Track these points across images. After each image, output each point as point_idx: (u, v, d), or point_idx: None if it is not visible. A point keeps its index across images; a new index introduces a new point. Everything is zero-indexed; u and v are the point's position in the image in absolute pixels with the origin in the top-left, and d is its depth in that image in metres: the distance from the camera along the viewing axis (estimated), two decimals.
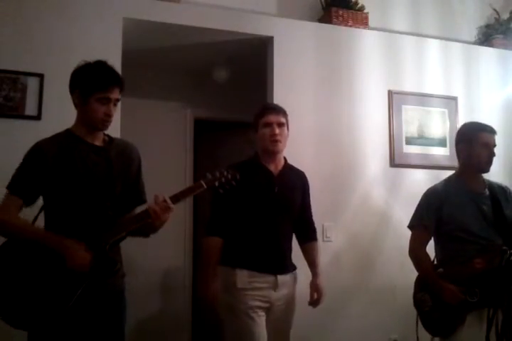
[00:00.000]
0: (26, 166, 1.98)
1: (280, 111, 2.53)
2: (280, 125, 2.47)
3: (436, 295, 2.42)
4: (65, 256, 1.86)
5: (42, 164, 1.95)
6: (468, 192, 2.53)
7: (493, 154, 2.55)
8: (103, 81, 1.95)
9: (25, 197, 1.96)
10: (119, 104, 2.81)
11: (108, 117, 1.99)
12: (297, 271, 2.56)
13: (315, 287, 2.54)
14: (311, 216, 2.70)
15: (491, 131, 2.58)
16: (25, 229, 1.95)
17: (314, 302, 2.55)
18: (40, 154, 1.97)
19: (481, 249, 2.36)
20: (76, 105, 2.02)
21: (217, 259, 2.42)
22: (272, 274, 2.41)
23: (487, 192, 2.53)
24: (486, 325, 2.32)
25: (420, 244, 2.57)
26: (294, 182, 2.58)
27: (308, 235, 2.67)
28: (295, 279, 2.55)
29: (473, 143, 2.54)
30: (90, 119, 1.99)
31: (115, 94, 1.98)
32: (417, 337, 2.49)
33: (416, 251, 2.58)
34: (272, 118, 2.47)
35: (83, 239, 1.90)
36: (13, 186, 1.96)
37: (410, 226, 2.63)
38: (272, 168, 2.52)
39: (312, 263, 2.61)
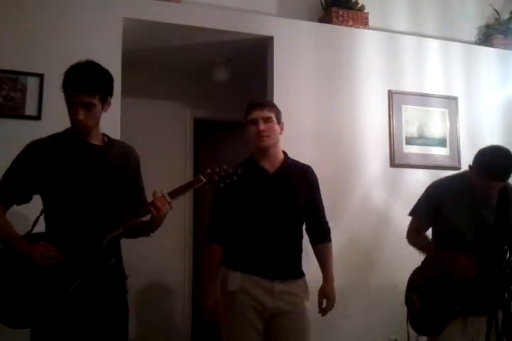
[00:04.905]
0: (15, 166, 1.97)
1: (265, 105, 2.41)
2: (266, 120, 2.35)
3: (425, 296, 2.42)
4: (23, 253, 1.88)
5: (34, 163, 1.95)
6: (472, 194, 2.42)
7: (488, 194, 2.37)
8: (69, 84, 1.92)
9: (9, 197, 1.96)
10: (119, 104, 2.85)
11: (76, 121, 1.94)
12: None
13: (323, 293, 2.39)
14: (323, 214, 2.50)
15: (496, 179, 2.31)
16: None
17: (323, 311, 2.40)
18: (32, 154, 1.97)
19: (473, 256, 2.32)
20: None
21: (217, 268, 2.33)
22: (269, 279, 2.26)
23: (495, 195, 2.39)
24: (469, 329, 2.34)
25: (416, 230, 2.56)
26: (296, 179, 2.41)
27: (318, 235, 2.48)
28: (303, 288, 2.35)
29: (479, 180, 2.36)
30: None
31: (81, 98, 1.91)
32: (408, 333, 2.49)
33: (411, 235, 2.57)
34: (256, 114, 2.35)
35: (81, 236, 1.90)
36: None
37: (410, 214, 2.59)
38: (267, 166, 2.38)
39: (322, 266, 2.45)
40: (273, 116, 2.39)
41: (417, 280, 2.53)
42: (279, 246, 2.31)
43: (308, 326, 2.35)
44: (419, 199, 2.59)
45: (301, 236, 2.44)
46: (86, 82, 1.93)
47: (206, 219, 2.47)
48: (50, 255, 1.87)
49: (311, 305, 2.40)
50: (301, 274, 2.39)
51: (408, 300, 2.54)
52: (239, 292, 2.25)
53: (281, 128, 2.43)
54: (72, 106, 1.93)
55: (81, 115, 1.93)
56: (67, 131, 2.05)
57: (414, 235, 2.57)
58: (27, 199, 2.01)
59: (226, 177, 2.05)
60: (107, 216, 1.96)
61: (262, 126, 2.34)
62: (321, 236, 2.49)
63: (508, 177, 2.33)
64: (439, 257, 2.45)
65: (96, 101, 1.94)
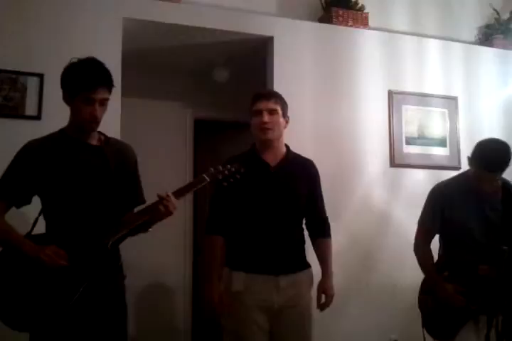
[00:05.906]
0: (14, 167, 1.95)
1: (271, 97, 2.36)
2: (271, 112, 2.30)
3: (439, 300, 2.41)
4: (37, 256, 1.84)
5: (31, 164, 1.93)
6: (476, 194, 2.42)
7: (486, 187, 2.40)
8: (87, 81, 1.89)
9: (10, 199, 1.94)
10: (119, 104, 2.86)
11: (93, 118, 1.92)
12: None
13: (322, 288, 2.36)
14: (322, 209, 2.47)
15: (492, 169, 2.34)
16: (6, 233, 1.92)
17: (321, 306, 2.37)
18: (29, 154, 1.95)
19: (483, 255, 2.32)
20: (67, 103, 1.98)
21: (220, 260, 2.30)
22: (273, 275, 2.24)
23: (499, 195, 2.40)
24: (481, 329, 2.31)
25: (423, 241, 2.53)
26: (297, 173, 2.38)
27: (318, 230, 2.45)
28: (308, 279, 2.36)
29: (476, 172, 2.40)
30: (77, 120, 1.96)
31: (101, 94, 1.91)
32: (424, 338, 2.47)
33: (418, 249, 2.55)
34: (261, 105, 2.31)
35: (85, 239, 1.89)
36: None
37: (418, 223, 2.58)
38: (269, 159, 2.35)
39: (321, 262, 2.42)
40: (279, 108, 2.34)
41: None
42: (281, 239, 2.29)
43: (313, 319, 2.36)
44: (423, 207, 2.57)
45: (302, 229, 2.42)
46: (104, 78, 1.92)
47: (206, 216, 2.45)
48: (60, 262, 1.83)
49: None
50: (306, 266, 2.37)
51: (422, 303, 2.52)
52: (244, 292, 2.23)
53: (286, 122, 2.39)
54: (90, 103, 1.90)
55: (100, 112, 1.92)
56: (62, 131, 2.03)
57: (421, 247, 2.54)
58: (27, 201, 1.98)
59: (229, 177, 2.04)
60: (109, 216, 1.95)
61: (266, 118, 2.29)
62: (321, 231, 2.46)
63: (505, 167, 2.33)
64: (431, 282, 2.47)
65: (109, 96, 1.96)
